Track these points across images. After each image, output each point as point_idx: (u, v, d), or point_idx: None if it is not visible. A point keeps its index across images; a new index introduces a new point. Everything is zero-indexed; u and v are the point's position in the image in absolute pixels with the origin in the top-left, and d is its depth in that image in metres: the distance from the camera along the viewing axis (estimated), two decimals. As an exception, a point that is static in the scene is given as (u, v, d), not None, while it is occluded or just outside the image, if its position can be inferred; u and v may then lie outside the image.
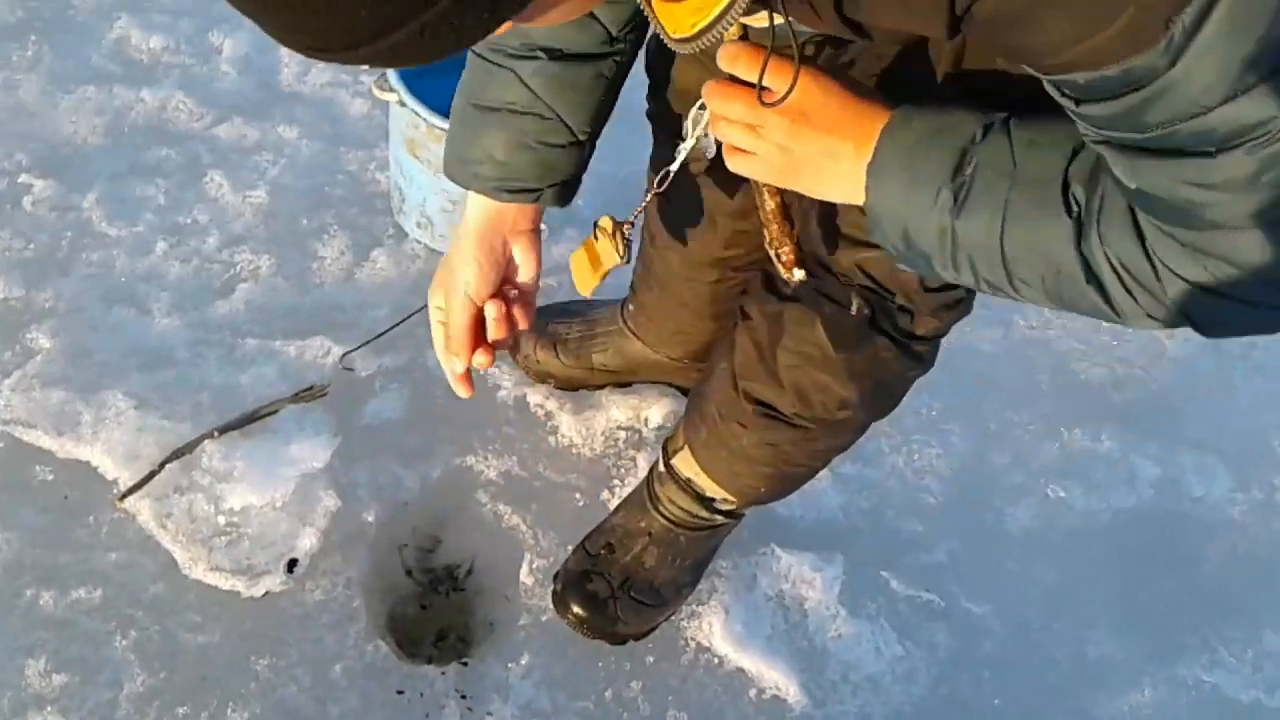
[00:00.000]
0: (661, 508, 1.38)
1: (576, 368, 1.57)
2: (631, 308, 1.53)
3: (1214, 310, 0.68)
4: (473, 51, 1.02)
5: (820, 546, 1.53)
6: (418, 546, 1.49)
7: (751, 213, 1.25)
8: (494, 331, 1.03)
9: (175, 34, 1.93)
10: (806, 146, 0.79)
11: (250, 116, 1.83)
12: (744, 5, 0.67)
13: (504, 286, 1.05)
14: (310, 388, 1.50)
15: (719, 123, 0.83)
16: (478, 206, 1.03)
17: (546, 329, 1.58)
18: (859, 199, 0.80)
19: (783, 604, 1.47)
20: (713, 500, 1.34)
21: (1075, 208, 0.71)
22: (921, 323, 1.06)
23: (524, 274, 1.06)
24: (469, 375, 1.05)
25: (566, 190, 1.04)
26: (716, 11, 0.68)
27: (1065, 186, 0.71)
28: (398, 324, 1.58)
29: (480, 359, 1.03)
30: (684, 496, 1.35)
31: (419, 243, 1.71)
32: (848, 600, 1.49)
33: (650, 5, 0.73)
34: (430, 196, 1.62)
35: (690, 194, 1.25)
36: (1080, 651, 1.55)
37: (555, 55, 0.97)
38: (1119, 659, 1.55)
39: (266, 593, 1.33)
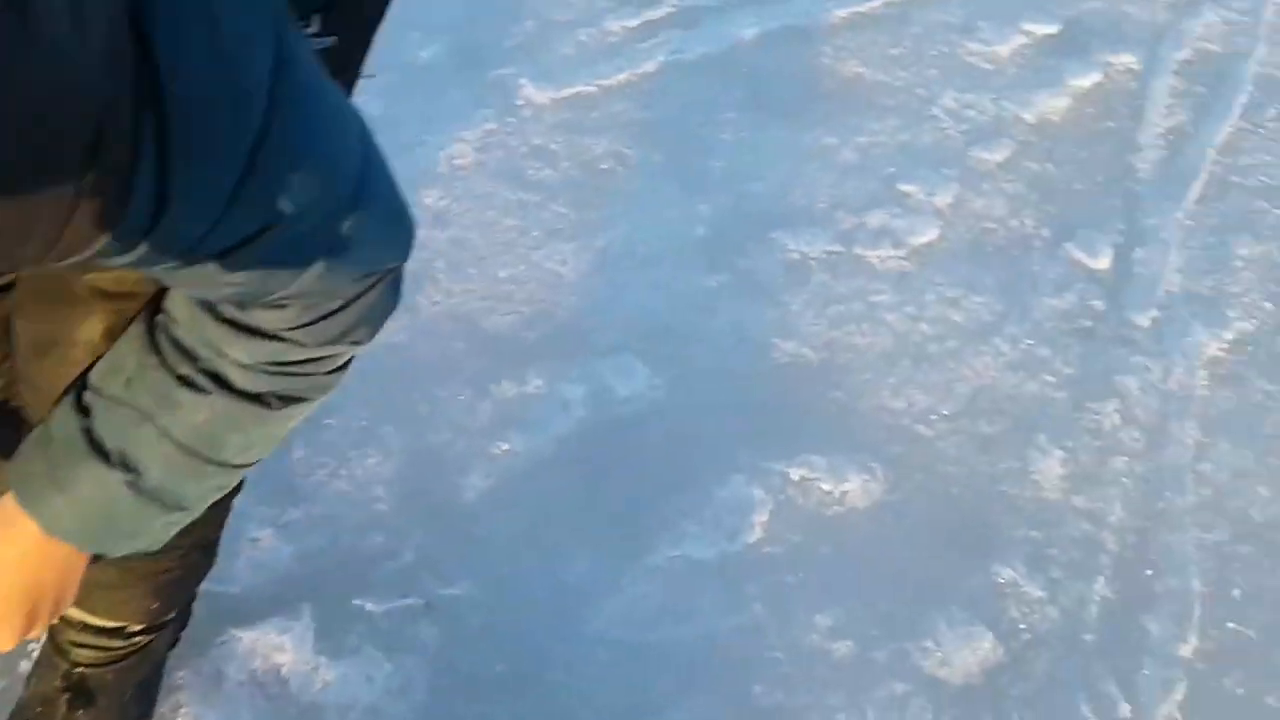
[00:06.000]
0: (73, 656, 1.28)
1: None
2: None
3: (331, 326, 0.74)
4: None
5: (283, 607, 1.50)
6: None
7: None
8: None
9: None
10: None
11: None
12: None
13: None
14: None
15: None
16: None
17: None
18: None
19: (257, 683, 1.44)
20: (122, 628, 1.26)
21: (194, 375, 0.76)
22: None
23: None
24: None
25: None
26: None
27: (179, 377, 0.76)
28: None
29: None
30: (87, 635, 1.26)
31: None
32: (325, 646, 1.49)
33: None
34: None
35: None
36: (559, 580, 1.67)
37: None
38: (595, 571, 1.69)
39: None
